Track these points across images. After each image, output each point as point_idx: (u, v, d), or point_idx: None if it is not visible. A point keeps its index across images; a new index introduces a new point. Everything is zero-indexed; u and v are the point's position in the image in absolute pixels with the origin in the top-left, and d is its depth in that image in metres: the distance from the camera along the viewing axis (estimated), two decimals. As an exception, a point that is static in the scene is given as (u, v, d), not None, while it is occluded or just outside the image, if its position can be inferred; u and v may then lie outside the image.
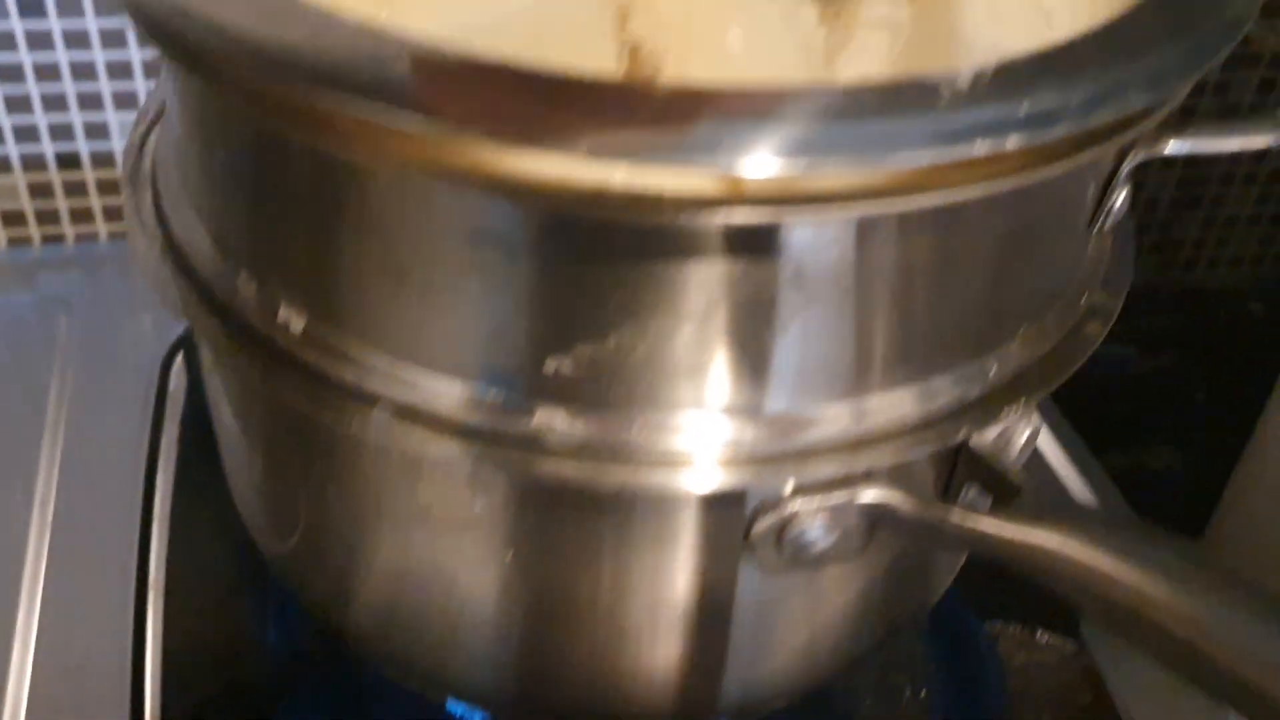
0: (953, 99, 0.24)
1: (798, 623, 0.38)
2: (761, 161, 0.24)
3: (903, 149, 0.24)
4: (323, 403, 0.31)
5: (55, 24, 0.64)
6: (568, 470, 0.30)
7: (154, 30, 0.28)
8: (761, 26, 0.28)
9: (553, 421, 0.30)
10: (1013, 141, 0.25)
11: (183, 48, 0.27)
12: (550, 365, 0.30)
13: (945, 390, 0.32)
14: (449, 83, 0.24)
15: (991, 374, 0.33)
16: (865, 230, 0.28)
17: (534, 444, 0.30)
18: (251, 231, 0.32)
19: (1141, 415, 0.76)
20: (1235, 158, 0.83)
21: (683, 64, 0.28)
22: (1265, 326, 0.83)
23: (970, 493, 0.35)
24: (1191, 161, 0.81)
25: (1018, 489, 0.32)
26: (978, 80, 0.25)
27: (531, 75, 0.24)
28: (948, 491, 0.35)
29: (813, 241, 0.28)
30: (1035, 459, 0.55)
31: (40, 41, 0.64)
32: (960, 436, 0.32)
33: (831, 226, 0.28)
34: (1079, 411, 0.60)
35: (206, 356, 0.39)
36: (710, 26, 0.28)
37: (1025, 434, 0.35)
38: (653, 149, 0.24)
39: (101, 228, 0.71)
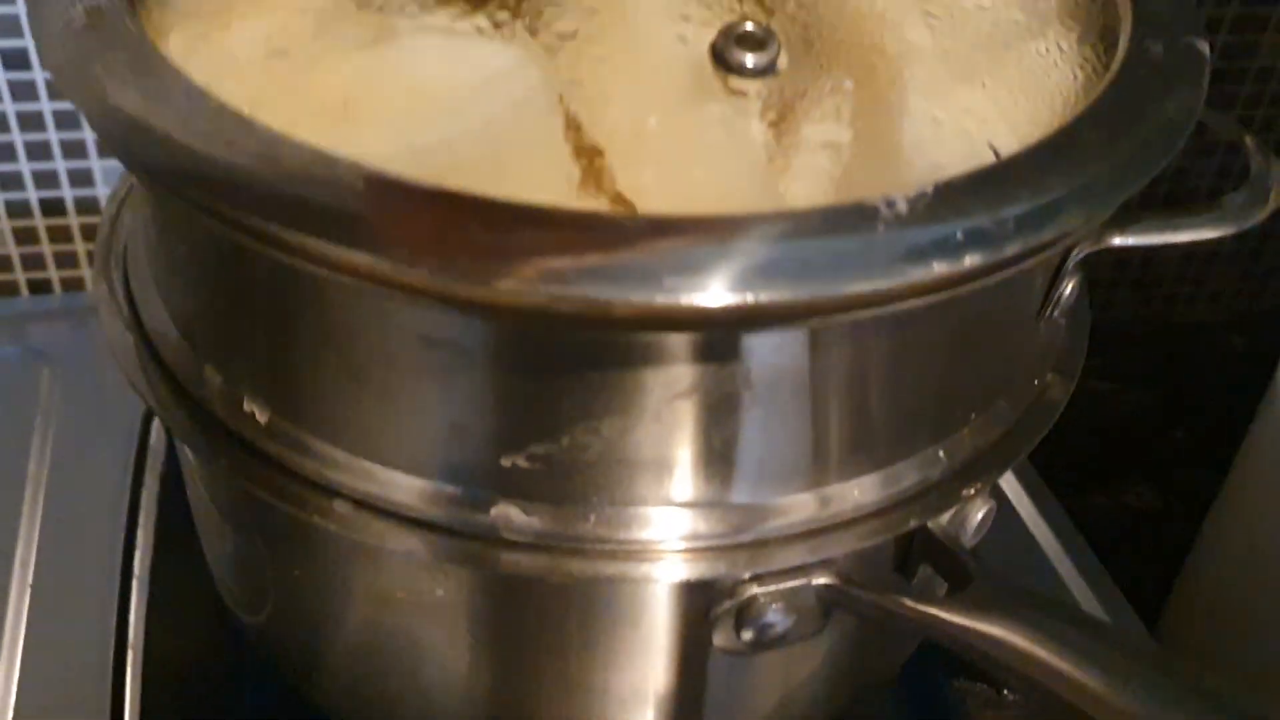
0: (893, 224, 0.25)
1: (763, 696, 0.38)
2: (714, 295, 0.24)
3: (849, 278, 0.25)
4: (285, 494, 0.32)
5: (39, 75, 0.64)
6: (525, 563, 0.31)
7: (113, 145, 0.28)
8: (709, 143, 0.29)
9: (509, 515, 0.31)
10: (955, 265, 0.25)
11: (140, 164, 0.28)
12: (506, 461, 0.30)
13: (901, 479, 0.33)
14: (401, 215, 0.25)
15: (944, 461, 0.33)
16: (816, 335, 0.29)
17: (492, 537, 0.31)
18: (213, 327, 0.33)
19: (1121, 453, 0.77)
20: (1215, 190, 0.83)
21: (632, 179, 0.28)
22: (1246, 361, 0.83)
23: (926, 571, 0.36)
24: (1171, 196, 0.82)
25: (970, 576, 0.33)
26: (915, 205, 0.25)
27: (484, 205, 0.25)
28: (903, 570, 0.36)
29: (763, 347, 0.29)
30: (1000, 504, 0.55)
31: (24, 93, 0.65)
32: (914, 524, 0.33)
33: (780, 336, 0.28)
34: (1056, 450, 0.61)
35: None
36: (659, 142, 0.28)
37: (980, 514, 0.36)
38: (604, 281, 0.24)
39: (86, 272, 0.72)
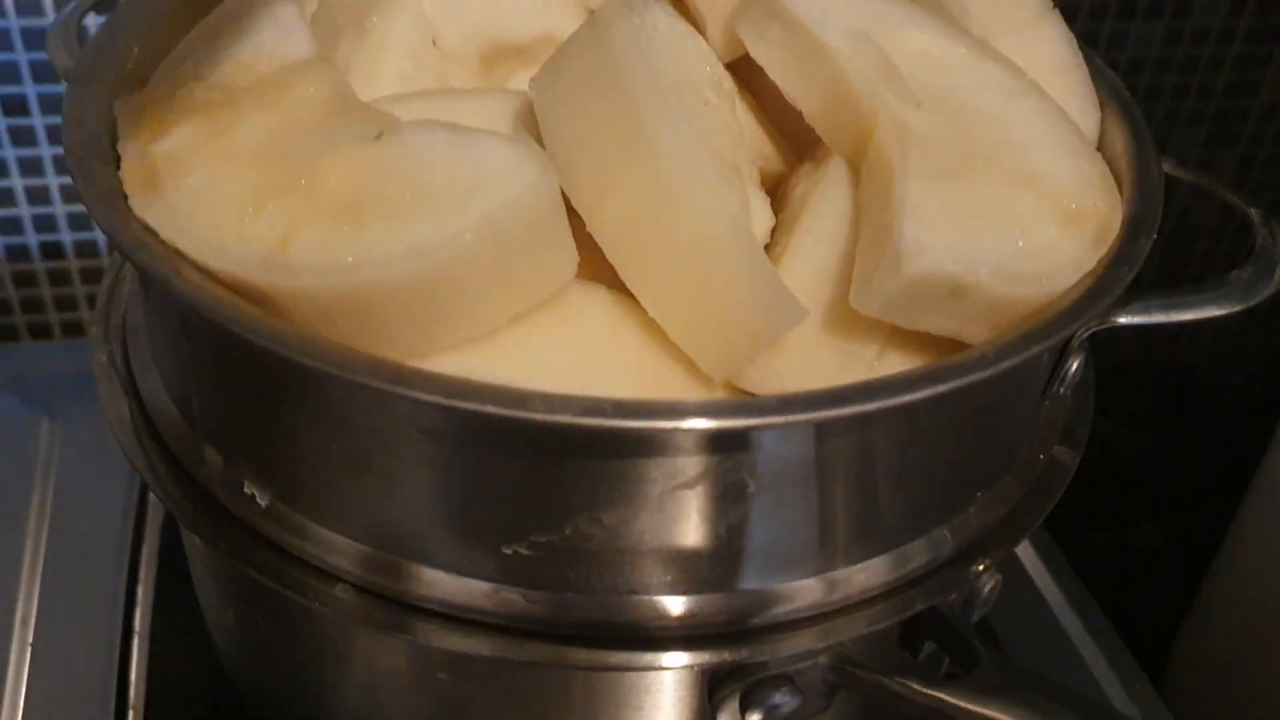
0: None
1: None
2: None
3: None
4: (286, 579, 0.32)
5: (38, 120, 0.64)
6: (527, 650, 0.31)
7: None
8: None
9: (511, 602, 0.31)
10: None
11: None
12: (508, 549, 0.30)
13: (908, 560, 0.33)
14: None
15: (951, 542, 0.33)
16: (821, 426, 0.29)
17: (493, 624, 0.31)
18: (212, 409, 0.32)
19: (1124, 493, 0.76)
20: (1219, 228, 0.83)
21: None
22: (1249, 401, 0.83)
23: (932, 645, 0.35)
24: (1174, 236, 0.82)
25: (978, 658, 0.33)
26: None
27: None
28: (909, 647, 0.35)
29: (767, 438, 0.28)
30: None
31: (24, 139, 0.65)
32: (922, 606, 0.33)
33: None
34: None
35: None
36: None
37: (988, 587, 0.36)
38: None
39: (86, 315, 0.72)
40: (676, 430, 0.27)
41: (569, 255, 0.29)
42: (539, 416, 0.25)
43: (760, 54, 0.35)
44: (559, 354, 0.30)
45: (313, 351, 0.26)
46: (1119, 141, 0.36)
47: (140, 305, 0.36)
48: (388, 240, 0.27)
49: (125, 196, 0.30)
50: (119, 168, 0.31)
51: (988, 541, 0.34)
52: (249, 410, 0.31)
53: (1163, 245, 0.81)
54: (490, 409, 0.25)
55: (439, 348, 0.29)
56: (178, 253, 0.28)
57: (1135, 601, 0.65)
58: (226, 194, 0.29)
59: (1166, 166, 0.37)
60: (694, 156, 0.29)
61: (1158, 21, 0.72)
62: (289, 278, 0.28)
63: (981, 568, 0.33)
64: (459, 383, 0.26)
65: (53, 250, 0.69)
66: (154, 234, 0.29)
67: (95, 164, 0.31)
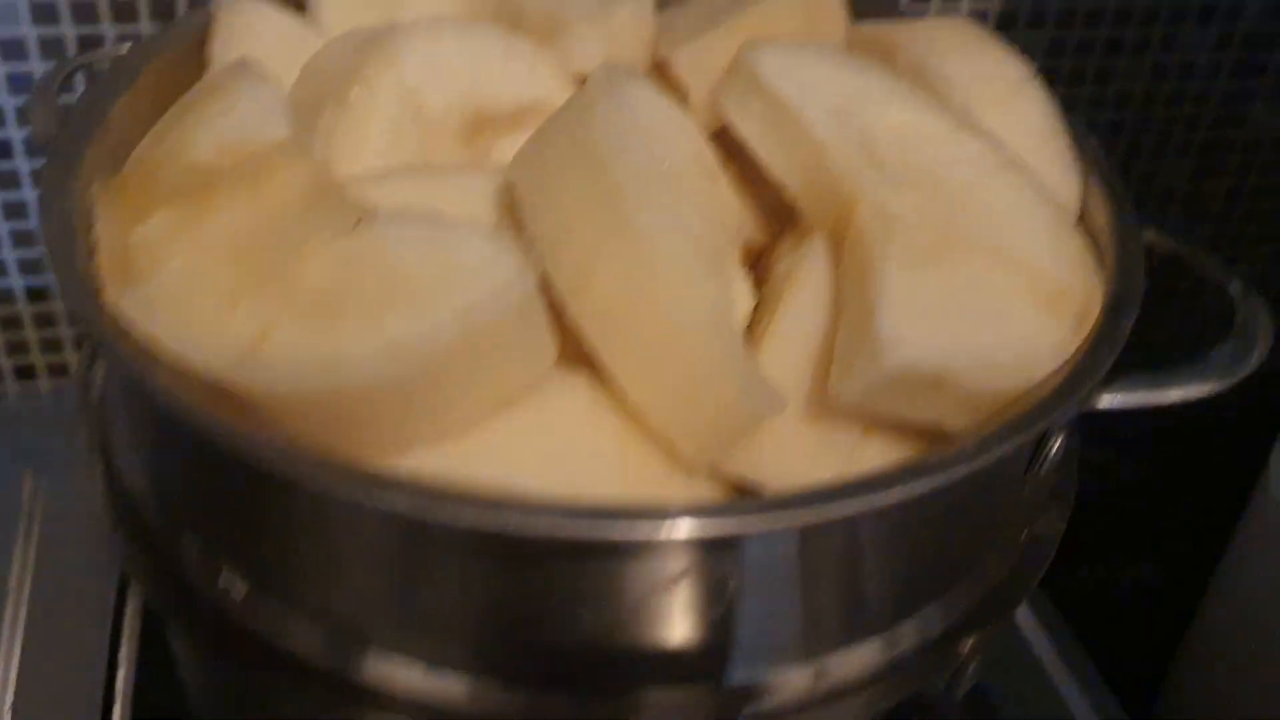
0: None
1: None
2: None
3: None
4: (265, 674, 0.31)
5: (21, 164, 0.64)
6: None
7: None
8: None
9: (491, 699, 0.30)
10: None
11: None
12: (486, 646, 0.30)
13: (896, 645, 0.32)
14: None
15: (937, 625, 0.33)
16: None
17: (473, 718, 0.30)
18: (191, 505, 0.32)
19: (1116, 526, 0.76)
20: (1211, 249, 0.83)
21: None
22: (1244, 428, 0.82)
23: (917, 722, 0.35)
24: (1166, 262, 0.82)
25: (960, 743, 0.32)
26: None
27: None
28: (895, 722, 0.35)
29: (750, 540, 0.28)
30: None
31: (8, 182, 0.64)
32: (910, 689, 0.32)
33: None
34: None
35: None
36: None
37: (972, 665, 0.35)
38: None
39: (70, 357, 0.71)
40: (655, 540, 0.26)
41: (547, 348, 0.29)
42: (515, 527, 0.25)
43: (742, 129, 0.35)
44: (538, 446, 0.29)
45: (285, 459, 0.26)
46: (1100, 214, 0.36)
47: (116, 385, 0.36)
48: (363, 337, 0.26)
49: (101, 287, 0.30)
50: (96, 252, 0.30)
51: (973, 621, 0.34)
52: (223, 505, 0.31)
53: (1150, 279, 0.81)
54: (465, 521, 0.25)
55: (417, 443, 0.28)
56: (153, 344, 0.28)
57: (1128, 640, 0.65)
58: (203, 286, 0.28)
59: (1148, 236, 0.36)
60: (675, 243, 0.29)
61: (1144, 56, 0.72)
62: (263, 376, 0.27)
63: (968, 648, 0.33)
64: (433, 490, 0.26)
65: (38, 294, 0.69)
66: (130, 325, 0.28)
67: (72, 251, 0.30)
